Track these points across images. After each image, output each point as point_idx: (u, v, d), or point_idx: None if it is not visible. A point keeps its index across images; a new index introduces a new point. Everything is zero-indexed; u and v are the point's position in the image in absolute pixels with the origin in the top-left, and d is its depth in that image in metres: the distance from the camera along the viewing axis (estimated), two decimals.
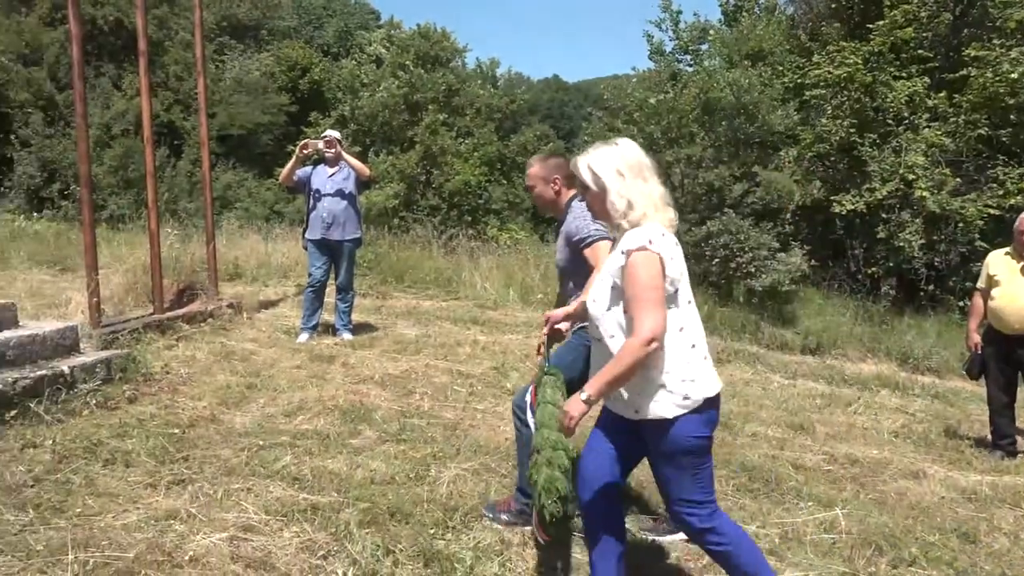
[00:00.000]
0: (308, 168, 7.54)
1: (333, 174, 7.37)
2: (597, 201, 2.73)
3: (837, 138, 14.38)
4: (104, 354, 5.42)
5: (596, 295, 2.72)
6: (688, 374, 2.61)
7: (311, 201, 7.42)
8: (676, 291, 2.63)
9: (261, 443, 4.40)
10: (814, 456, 5.01)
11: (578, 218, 3.53)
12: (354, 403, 5.27)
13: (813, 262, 13.96)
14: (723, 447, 4.94)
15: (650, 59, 20.77)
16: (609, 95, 19.33)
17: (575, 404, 2.59)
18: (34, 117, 21.16)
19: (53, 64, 25.14)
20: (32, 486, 3.63)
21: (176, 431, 4.52)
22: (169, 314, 7.20)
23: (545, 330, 3.22)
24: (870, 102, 14.17)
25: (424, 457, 4.32)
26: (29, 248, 10.93)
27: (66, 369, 4.91)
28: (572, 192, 3.72)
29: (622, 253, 2.60)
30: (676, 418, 2.60)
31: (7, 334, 4.95)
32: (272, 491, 3.74)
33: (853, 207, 13.68)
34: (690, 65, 20.02)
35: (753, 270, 12.36)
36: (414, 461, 4.25)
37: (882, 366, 9.08)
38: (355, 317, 7.91)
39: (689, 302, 2.69)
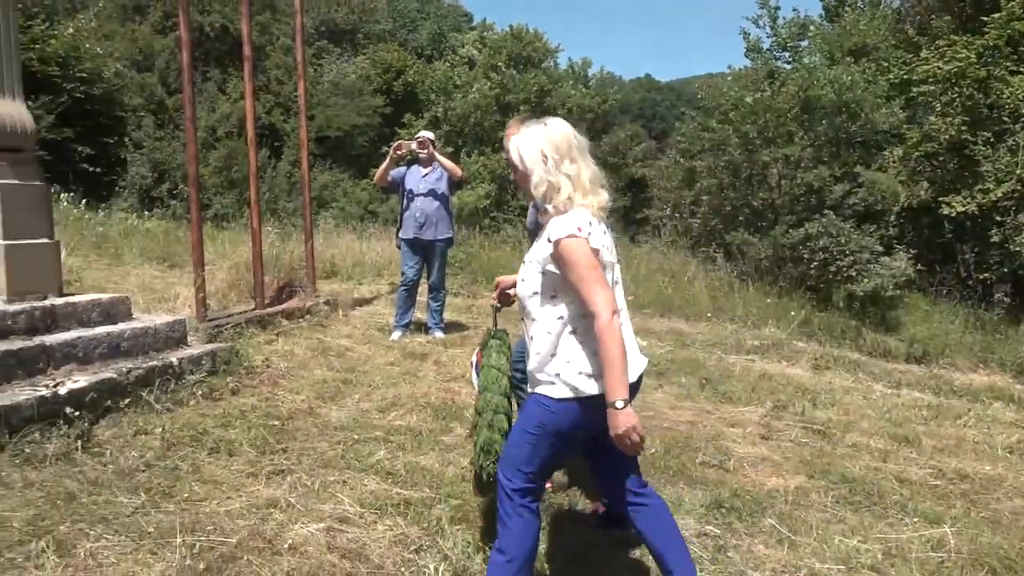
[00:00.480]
0: (402, 168, 7.68)
1: (426, 174, 7.49)
2: (524, 181, 2.69)
3: (947, 136, 13.74)
4: (209, 347, 5.66)
5: (524, 275, 2.69)
6: (584, 366, 2.55)
7: (404, 201, 7.56)
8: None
9: (356, 437, 4.51)
10: (920, 470, 4.79)
11: None
12: (446, 401, 5.34)
13: (919, 266, 13.38)
14: (822, 457, 4.79)
15: (746, 57, 20.34)
16: (703, 94, 19.01)
17: (627, 416, 2.44)
18: (146, 120, 22.27)
19: (164, 70, 26.44)
20: (143, 471, 3.82)
21: (276, 423, 4.68)
22: (269, 310, 7.46)
23: (495, 295, 3.19)
24: (984, 99, 13.48)
25: None
26: (141, 245, 11.51)
27: (175, 360, 5.14)
28: None
29: (549, 241, 2.56)
30: (559, 400, 2.56)
31: (122, 326, 5.23)
32: (367, 484, 3.83)
33: (964, 209, 13.05)
34: (788, 62, 19.49)
35: (854, 274, 11.94)
36: None
37: (995, 377, 8.61)
38: (446, 316, 8.02)
39: (615, 283, 2.68)
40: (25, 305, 4.84)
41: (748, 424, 5.38)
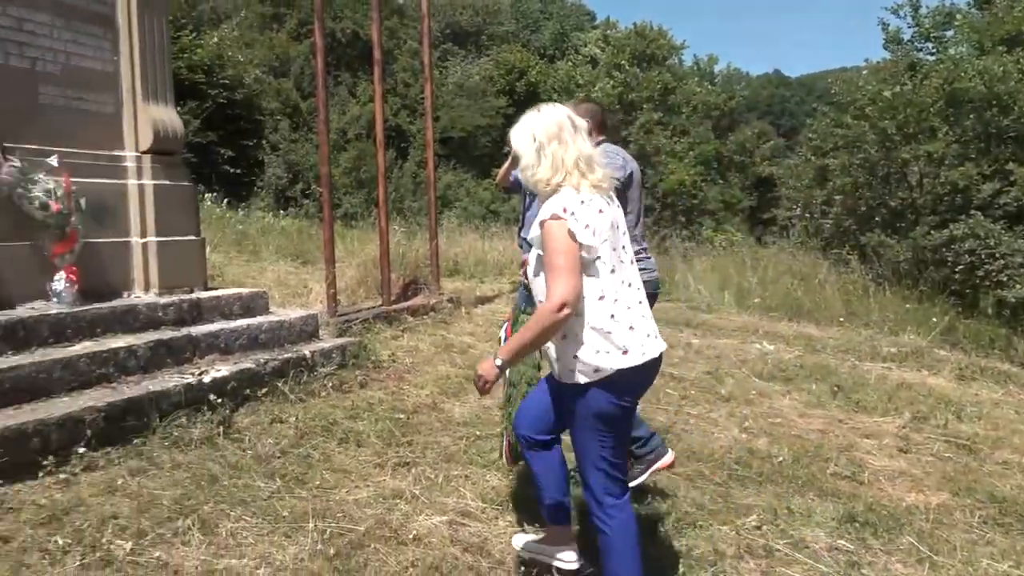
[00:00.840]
0: None
1: None
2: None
3: None
4: (339, 341, 5.89)
5: (530, 259, 2.77)
6: (602, 345, 2.61)
7: (526, 200, 7.61)
8: (596, 259, 2.62)
9: (478, 433, 4.58)
10: None
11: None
12: None
13: None
14: (967, 473, 4.49)
15: (885, 48, 19.33)
16: (837, 89, 18.22)
17: (488, 367, 2.67)
18: (282, 124, 23.39)
19: (298, 75, 27.65)
20: (279, 457, 4.01)
21: (401, 416, 4.81)
22: (396, 306, 7.68)
23: (522, 272, 3.22)
24: None
25: None
26: (276, 242, 12.09)
27: (308, 353, 5.37)
28: (601, 137, 3.78)
29: (539, 223, 2.63)
30: (587, 385, 2.63)
31: (260, 319, 5.52)
32: (488, 480, 3.88)
33: None
34: (932, 54, 18.39)
35: (1005, 279, 11.15)
36: None
37: None
38: None
39: (613, 271, 2.66)
40: (174, 298, 5.18)
41: (884, 436, 5.11)
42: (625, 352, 2.63)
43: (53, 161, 4.65)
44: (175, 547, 3.05)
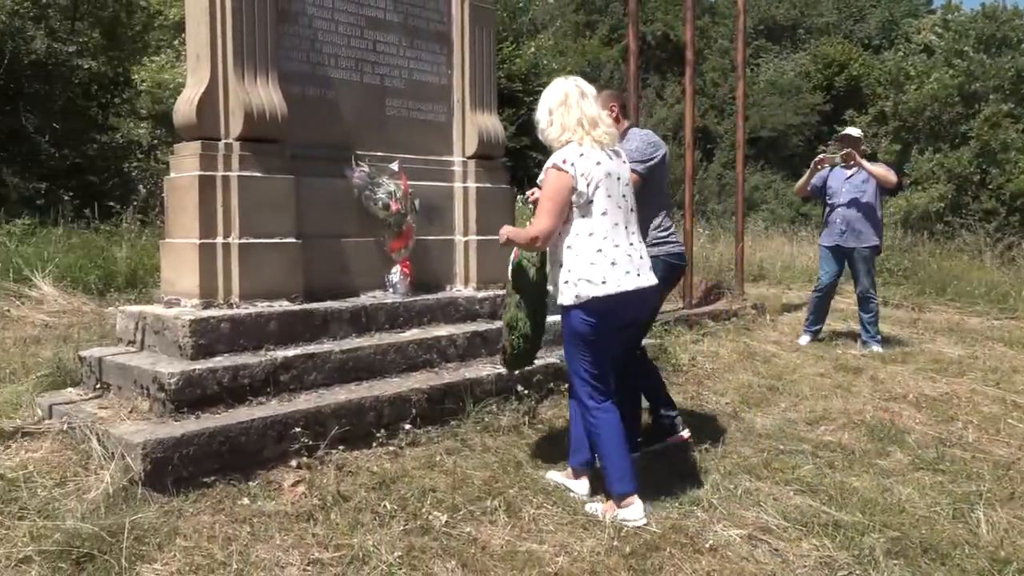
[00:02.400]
0: (825, 170, 7.27)
1: (850, 176, 7.00)
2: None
3: None
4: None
5: None
6: (585, 274, 3.25)
7: (827, 205, 7.18)
8: (590, 203, 3.27)
9: (781, 447, 4.37)
10: None
11: (631, 140, 4.04)
12: (883, 421, 4.91)
13: None
14: None
15: None
16: None
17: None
18: None
19: (608, 79, 28.29)
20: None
21: (700, 422, 4.74)
22: (697, 310, 7.59)
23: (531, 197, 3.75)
24: None
25: (967, 495, 3.82)
26: None
27: None
28: (627, 121, 4.19)
29: (544, 169, 3.31)
30: (569, 307, 3.31)
31: (559, 317, 5.74)
32: (791, 498, 3.69)
33: None
34: None
35: None
36: (954, 496, 3.79)
37: None
38: (887, 329, 7.38)
39: (604, 213, 3.28)
40: (489, 293, 5.57)
41: None
42: (603, 283, 3.23)
43: (394, 166, 5.23)
44: (483, 525, 3.29)
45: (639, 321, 3.63)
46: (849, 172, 7.02)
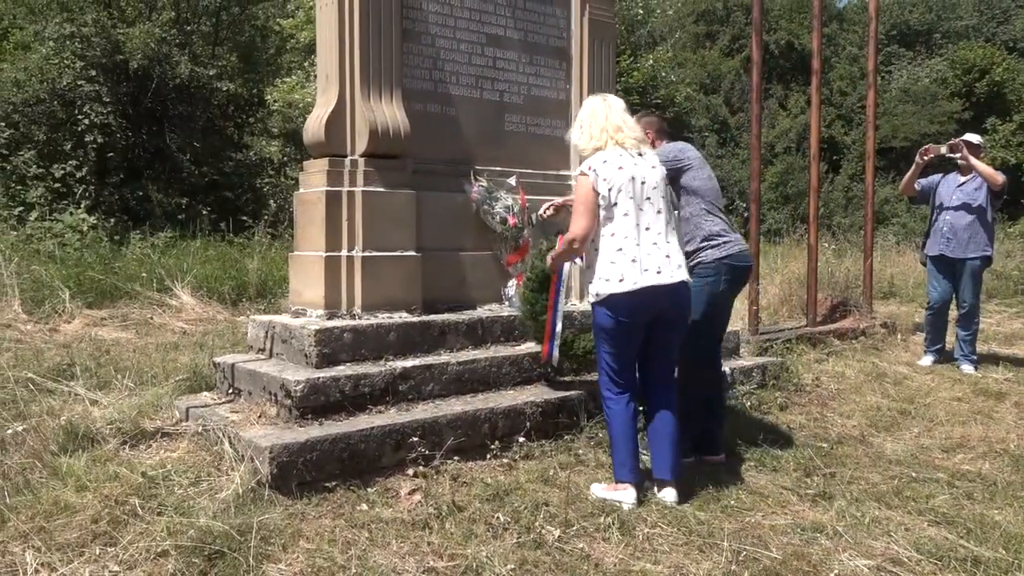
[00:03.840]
0: (935, 176, 6.87)
1: (963, 183, 6.59)
2: None
3: None
4: (760, 360, 5.78)
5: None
6: (605, 273, 3.50)
7: (934, 213, 6.78)
8: (613, 205, 3.50)
9: (913, 475, 4.13)
10: None
11: (661, 152, 4.12)
12: None
13: None
14: None
15: None
16: None
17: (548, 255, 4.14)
18: (709, 139, 23.70)
19: (728, 91, 27.78)
20: (690, 470, 4.06)
21: (823, 445, 4.55)
22: (821, 328, 7.30)
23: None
24: None
25: None
26: None
27: (728, 370, 5.35)
28: (663, 141, 4.37)
29: (574, 176, 3.78)
30: (593, 303, 3.59)
31: None
32: (925, 529, 3.48)
33: None
34: None
35: None
36: None
37: None
38: (998, 348, 6.88)
39: (626, 215, 3.49)
40: None
41: None
42: (621, 280, 3.45)
43: (512, 181, 5.30)
44: (596, 541, 3.26)
45: (670, 319, 3.62)
46: (962, 179, 6.66)
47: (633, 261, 3.47)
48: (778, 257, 11.94)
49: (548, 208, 4.75)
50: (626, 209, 3.50)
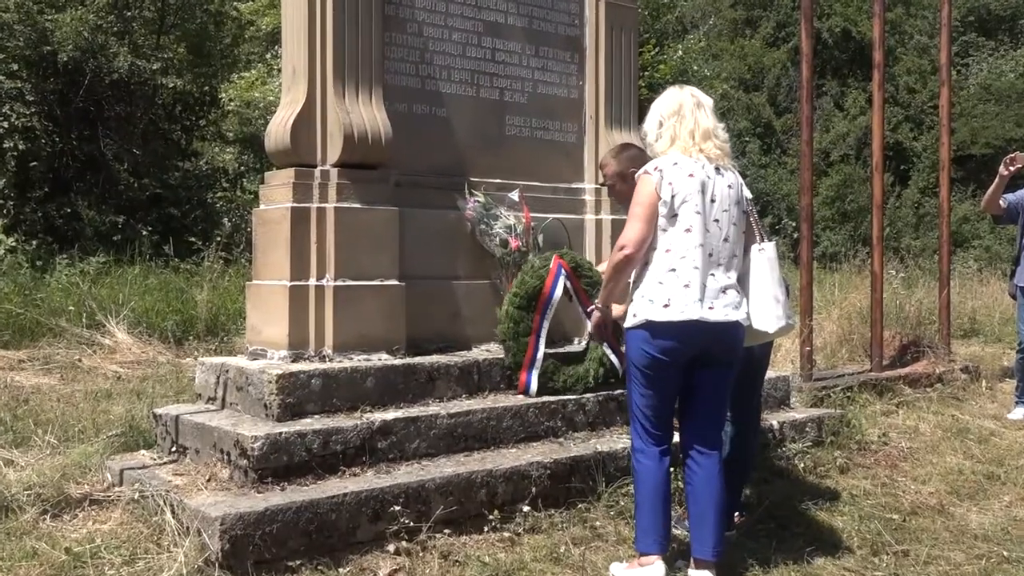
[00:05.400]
0: (1022, 191, 6.94)
1: None
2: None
3: None
4: (815, 412, 5.76)
5: None
6: (650, 293, 3.47)
7: (1022, 235, 6.83)
8: (675, 216, 3.48)
9: (1005, 554, 4.10)
10: None
11: None
12: None
13: None
14: None
15: None
16: None
17: (596, 315, 3.92)
18: (750, 145, 23.85)
19: (773, 88, 27.99)
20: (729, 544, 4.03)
21: (894, 517, 4.52)
22: (888, 373, 7.29)
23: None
24: None
25: None
26: None
27: (775, 424, 5.34)
28: None
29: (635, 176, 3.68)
30: (629, 328, 3.56)
31: None
32: None
33: None
34: None
35: None
36: None
37: None
38: None
39: (687, 231, 3.47)
40: None
41: None
42: (666, 306, 3.41)
43: (514, 195, 5.32)
44: None
45: (716, 361, 3.57)
46: None
47: (686, 286, 3.44)
48: (835, 287, 11.95)
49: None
50: (689, 224, 3.48)
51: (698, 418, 3.66)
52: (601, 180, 5.12)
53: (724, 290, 3.52)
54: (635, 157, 4.34)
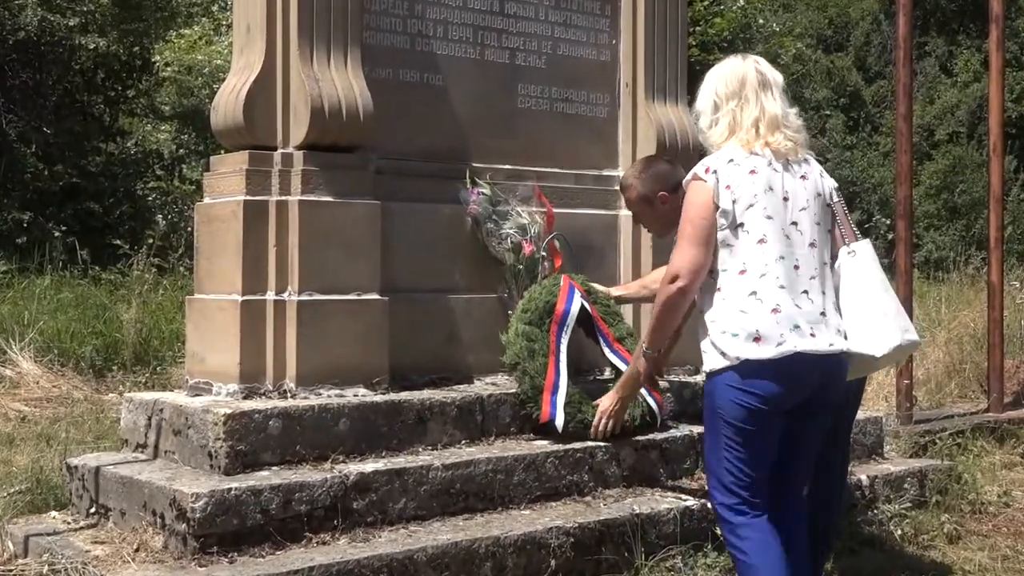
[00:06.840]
0: None
1: None
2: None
3: None
4: (916, 464, 5.74)
5: None
6: (732, 325, 3.34)
7: None
8: (740, 226, 3.40)
9: None
10: None
11: None
12: None
13: None
14: None
15: None
16: None
17: (642, 362, 4.09)
18: (833, 120, 23.79)
19: (860, 47, 27.97)
20: None
21: None
22: (1011, 414, 7.27)
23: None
24: None
25: None
26: None
27: (864, 478, 5.32)
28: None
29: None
30: (711, 373, 3.43)
31: None
32: None
33: None
34: None
35: None
36: None
37: None
38: None
39: (761, 241, 3.38)
40: (671, 378, 5.53)
41: None
42: (757, 339, 3.29)
43: (529, 187, 5.33)
44: None
45: (819, 405, 3.52)
46: None
47: (775, 311, 3.33)
48: (942, 302, 11.92)
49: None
50: (762, 233, 3.39)
51: (783, 483, 3.60)
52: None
53: (823, 312, 3.44)
54: (663, 175, 4.39)
